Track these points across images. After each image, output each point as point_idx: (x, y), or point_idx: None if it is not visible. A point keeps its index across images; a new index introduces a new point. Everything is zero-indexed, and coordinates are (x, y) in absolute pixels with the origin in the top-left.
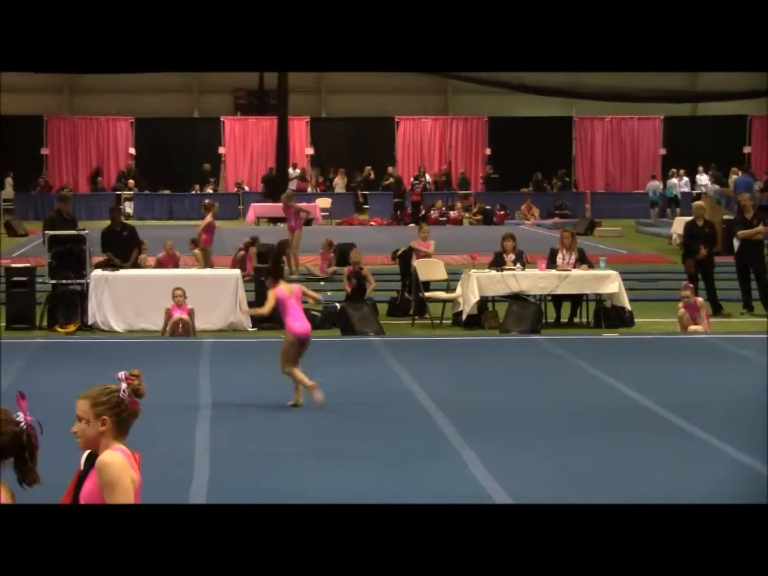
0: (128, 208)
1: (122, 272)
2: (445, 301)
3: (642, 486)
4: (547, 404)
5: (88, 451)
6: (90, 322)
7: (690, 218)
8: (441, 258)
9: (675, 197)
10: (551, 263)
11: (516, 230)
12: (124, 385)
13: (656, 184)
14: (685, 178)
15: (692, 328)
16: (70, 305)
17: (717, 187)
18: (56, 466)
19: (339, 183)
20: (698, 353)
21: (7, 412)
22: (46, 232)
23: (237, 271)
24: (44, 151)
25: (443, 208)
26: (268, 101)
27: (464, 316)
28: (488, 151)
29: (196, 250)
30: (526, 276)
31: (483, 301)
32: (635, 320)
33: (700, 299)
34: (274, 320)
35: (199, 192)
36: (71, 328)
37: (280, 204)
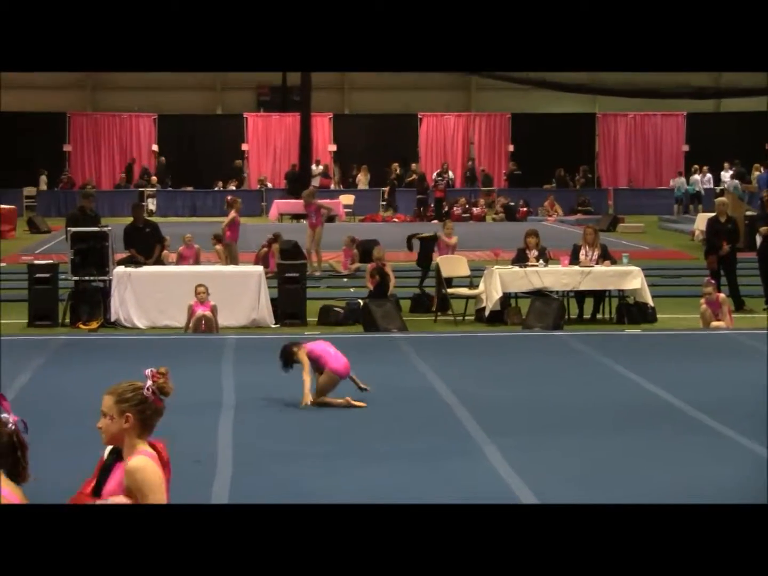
0: (151, 204)
1: (145, 269)
2: (468, 297)
3: (669, 484)
4: (571, 401)
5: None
6: (113, 319)
7: (712, 214)
8: (464, 254)
9: (698, 193)
10: (574, 259)
11: (539, 226)
12: (149, 383)
13: (682, 181)
14: (708, 175)
15: (714, 324)
16: (92, 302)
17: (737, 182)
18: (71, 464)
19: (362, 180)
20: (721, 349)
21: None
22: (69, 228)
23: (260, 268)
24: (67, 147)
25: (466, 205)
26: (291, 98)
27: (487, 313)
28: (511, 148)
29: (218, 246)
30: (549, 272)
31: (506, 297)
32: (658, 316)
33: (722, 295)
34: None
35: (222, 189)
36: (94, 325)
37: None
